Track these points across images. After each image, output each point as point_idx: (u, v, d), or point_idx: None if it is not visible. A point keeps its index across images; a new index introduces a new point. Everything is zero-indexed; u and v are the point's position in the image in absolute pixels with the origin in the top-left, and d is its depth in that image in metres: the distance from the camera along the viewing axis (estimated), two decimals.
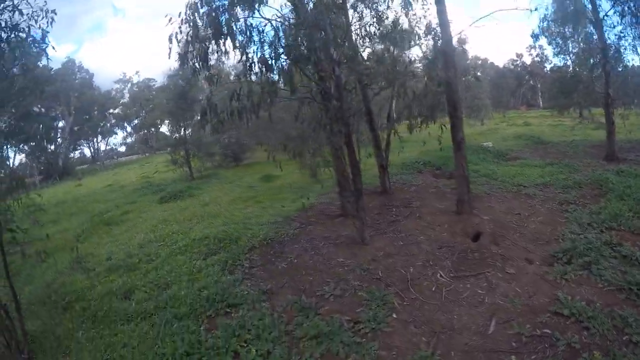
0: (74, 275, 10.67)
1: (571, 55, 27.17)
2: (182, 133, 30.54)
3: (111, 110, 76.59)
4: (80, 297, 9.30)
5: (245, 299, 7.95)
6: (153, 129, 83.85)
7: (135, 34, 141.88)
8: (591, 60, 21.00)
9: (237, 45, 9.14)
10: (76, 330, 7.90)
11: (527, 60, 67.00)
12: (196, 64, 9.80)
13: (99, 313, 8.34)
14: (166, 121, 79.02)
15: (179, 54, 9.86)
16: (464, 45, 37.65)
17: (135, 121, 78.53)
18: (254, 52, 9.51)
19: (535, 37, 25.50)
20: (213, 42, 9.25)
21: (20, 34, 5.72)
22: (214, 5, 9.16)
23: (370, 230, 10.90)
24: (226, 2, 9.12)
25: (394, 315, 7.05)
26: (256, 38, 9.44)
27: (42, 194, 14.22)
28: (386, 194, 15.10)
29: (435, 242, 9.99)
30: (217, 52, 9.68)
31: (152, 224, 15.27)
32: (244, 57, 9.29)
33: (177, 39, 9.50)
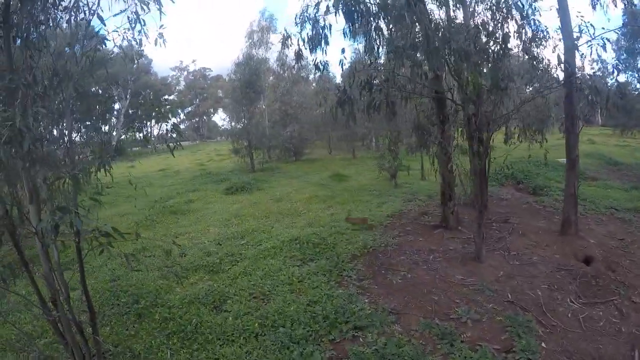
0: (146, 273, 9.11)
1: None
2: (244, 122, 29.72)
3: (166, 97, 77.04)
4: (157, 302, 7.70)
5: (370, 319, 6.76)
6: (205, 118, 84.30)
7: (194, 24, 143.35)
8: None
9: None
10: (160, 347, 6.27)
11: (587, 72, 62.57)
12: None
13: (187, 327, 6.71)
14: (219, 110, 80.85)
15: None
16: None
17: (189, 109, 78.74)
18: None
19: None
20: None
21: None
22: None
23: (473, 245, 9.91)
24: None
25: (543, 345, 6.21)
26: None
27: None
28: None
29: (550, 264, 9.16)
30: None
31: (224, 218, 13.94)
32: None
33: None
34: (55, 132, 5.59)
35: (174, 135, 4.81)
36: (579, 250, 9.98)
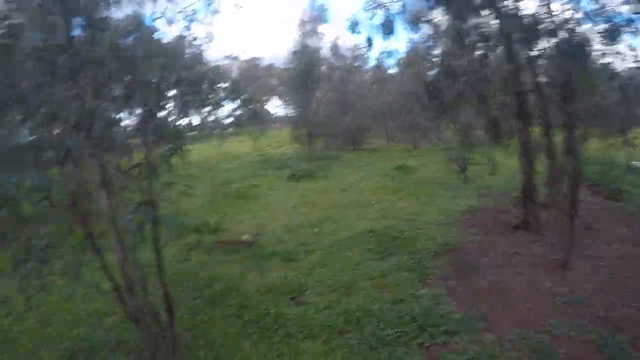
0: (216, 256, 8.84)
1: None
2: (302, 110, 29.68)
3: (220, 84, 77.81)
4: (231, 287, 7.41)
5: (461, 325, 6.18)
6: (259, 105, 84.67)
7: (244, 15, 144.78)
8: None
9: None
10: (239, 337, 5.94)
11: None
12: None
13: (265, 318, 6.35)
14: (273, 98, 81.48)
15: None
16: None
17: (245, 96, 79.42)
18: None
19: None
20: None
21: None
22: None
23: (558, 251, 9.17)
24: None
25: None
26: None
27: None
28: (552, 209, 12.73)
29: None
30: None
31: (291, 205, 13.64)
32: None
33: None
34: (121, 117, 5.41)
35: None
36: None
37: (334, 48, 36.53)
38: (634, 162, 21.61)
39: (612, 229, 11.13)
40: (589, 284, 7.86)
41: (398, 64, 42.81)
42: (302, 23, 32.23)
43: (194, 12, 6.01)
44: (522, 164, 10.93)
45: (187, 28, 6.18)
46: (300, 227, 10.92)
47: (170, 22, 5.87)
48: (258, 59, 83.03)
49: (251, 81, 78.63)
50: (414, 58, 35.40)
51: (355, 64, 40.33)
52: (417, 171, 20.20)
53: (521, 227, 10.94)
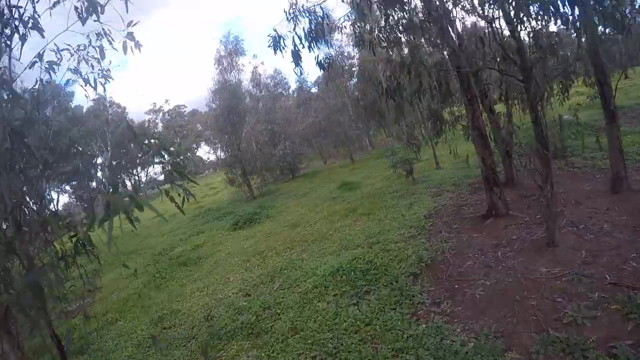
0: (171, 351, 7.43)
1: None
2: (232, 150, 28.38)
3: (146, 141, 75.77)
4: None
5: (480, 353, 5.30)
6: (189, 154, 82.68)
7: (156, 66, 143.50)
8: None
9: None
10: None
11: None
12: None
13: None
14: (201, 144, 79.89)
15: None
16: None
17: (171, 149, 77.61)
18: None
19: None
20: None
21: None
22: None
23: (538, 228, 8.91)
24: None
25: None
26: None
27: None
28: (513, 185, 12.78)
29: (624, 228, 8.04)
30: None
31: (241, 259, 12.19)
32: None
33: None
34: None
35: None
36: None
37: (255, 78, 36.10)
38: (565, 116, 21.48)
39: (574, 188, 10.97)
40: (580, 252, 7.46)
41: (319, 81, 43.44)
42: (219, 59, 31.49)
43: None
44: (479, 150, 10.33)
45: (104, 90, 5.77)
46: (256, 285, 9.57)
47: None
48: (182, 106, 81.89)
49: (178, 131, 77.31)
50: (335, 71, 35.57)
51: (279, 90, 39.84)
52: (362, 185, 19.20)
53: (490, 215, 10.36)
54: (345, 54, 38.46)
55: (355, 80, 38.76)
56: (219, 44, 32.32)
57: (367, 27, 10.22)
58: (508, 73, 8.47)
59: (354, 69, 39.05)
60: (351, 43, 35.00)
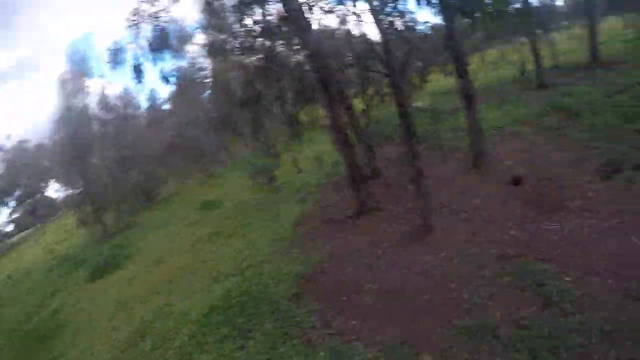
0: None
1: None
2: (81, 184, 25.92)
3: None
4: None
5: None
6: (39, 195, 75.52)
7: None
8: None
9: None
10: None
11: None
12: None
13: None
14: (50, 181, 72.39)
15: None
16: None
17: (17, 192, 69.97)
18: None
19: None
20: None
21: None
22: None
23: (412, 217, 8.79)
24: None
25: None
26: None
27: None
28: (378, 177, 12.69)
29: (494, 198, 8.69)
30: None
31: (106, 318, 10.53)
32: None
33: None
34: None
35: None
36: (502, 174, 9.73)
37: (103, 100, 33.10)
38: (416, 104, 22.14)
39: (435, 170, 10.99)
40: (459, 233, 7.58)
41: (171, 96, 40.76)
42: (63, 82, 28.26)
43: None
44: (341, 150, 10.15)
45: None
46: (127, 349, 8.19)
47: None
48: (26, 141, 73.56)
49: (19, 171, 69.75)
50: (186, 84, 33.74)
51: (130, 111, 37.26)
52: (224, 202, 18.25)
53: (360, 213, 10.17)
54: (198, 65, 37.02)
55: (209, 92, 37.51)
56: (65, 64, 29.03)
57: (221, 35, 9.56)
58: (374, 69, 8.28)
59: (206, 80, 37.72)
60: (204, 53, 33.74)
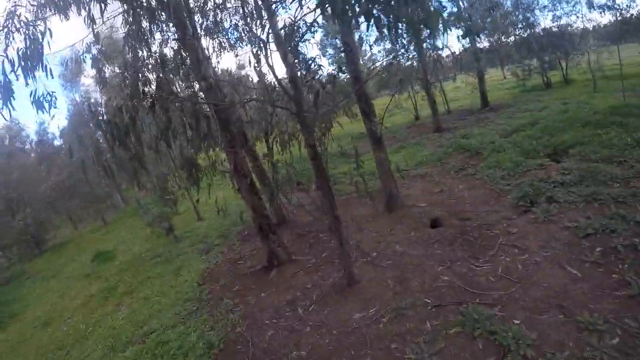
0: None
1: None
2: None
3: None
4: None
5: None
6: None
7: None
8: None
9: None
10: None
11: None
12: None
13: None
14: None
15: None
16: None
17: None
18: None
19: None
20: None
21: None
22: None
23: (330, 268, 8.42)
24: None
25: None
26: None
27: None
28: (286, 225, 12.25)
29: (416, 244, 8.25)
30: None
31: None
32: None
33: None
34: None
35: None
36: (418, 217, 9.61)
37: None
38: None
39: (355, 216, 10.87)
40: (386, 282, 7.08)
41: (64, 132, 37.62)
42: None
43: None
44: (246, 198, 9.24)
45: None
46: None
47: None
48: None
49: None
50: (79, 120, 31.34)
51: (17, 145, 34.00)
52: (119, 252, 16.72)
53: (272, 266, 9.33)
54: (92, 100, 35.13)
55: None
56: None
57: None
58: (281, 106, 7.67)
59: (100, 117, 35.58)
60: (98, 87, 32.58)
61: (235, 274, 9.71)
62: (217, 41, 12.29)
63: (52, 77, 6.13)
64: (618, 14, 22.46)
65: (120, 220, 25.74)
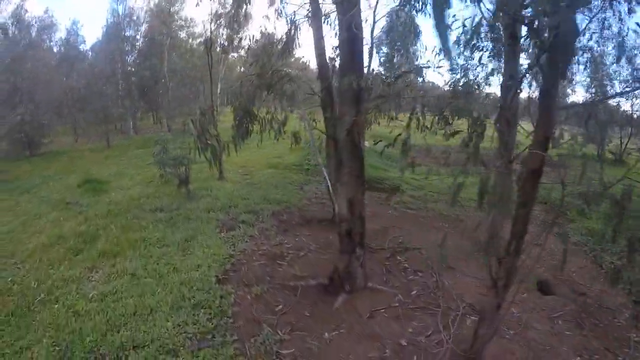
0: None
1: None
2: None
3: None
4: None
5: None
6: None
7: None
8: None
9: None
10: None
11: None
12: None
13: None
14: None
15: None
16: None
17: None
18: None
19: None
20: None
21: None
22: None
23: (427, 315, 5.74)
24: None
25: None
26: None
27: None
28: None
29: (541, 313, 5.97)
30: None
31: None
32: None
33: None
34: None
35: None
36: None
37: (16, 15, 28.23)
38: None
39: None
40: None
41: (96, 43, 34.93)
42: None
43: None
44: (350, 184, 6.11)
45: None
46: None
47: None
48: None
49: None
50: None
51: (44, 37, 32.76)
52: (113, 187, 13.15)
53: (340, 289, 6.02)
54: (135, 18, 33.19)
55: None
56: None
57: None
58: None
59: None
60: None
61: (277, 283, 6.33)
62: None
63: None
64: None
65: (126, 148, 22.64)
